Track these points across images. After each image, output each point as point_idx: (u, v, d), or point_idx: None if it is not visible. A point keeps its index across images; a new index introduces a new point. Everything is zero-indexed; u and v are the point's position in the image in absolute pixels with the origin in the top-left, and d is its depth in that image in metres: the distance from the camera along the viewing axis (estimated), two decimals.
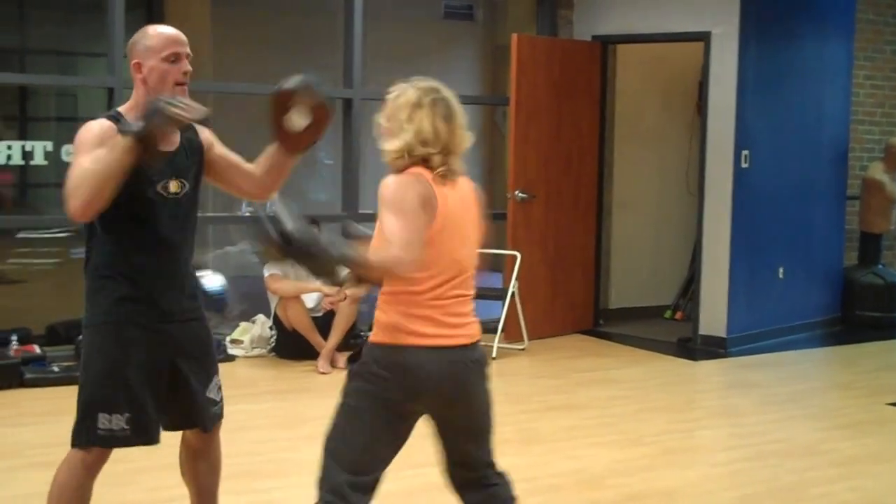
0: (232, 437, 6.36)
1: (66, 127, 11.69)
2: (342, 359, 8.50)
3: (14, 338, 8.06)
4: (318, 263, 3.36)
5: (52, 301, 9.72)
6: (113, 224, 3.75)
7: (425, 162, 3.51)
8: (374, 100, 10.67)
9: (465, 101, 12.31)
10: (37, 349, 8.06)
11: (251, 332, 8.98)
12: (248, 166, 4.15)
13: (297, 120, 3.95)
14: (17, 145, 8.49)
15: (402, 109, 3.54)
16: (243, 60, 10.68)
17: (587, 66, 10.16)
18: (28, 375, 7.63)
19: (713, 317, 9.63)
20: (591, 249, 10.42)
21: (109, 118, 3.77)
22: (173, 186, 3.84)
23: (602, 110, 10.40)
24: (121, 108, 3.85)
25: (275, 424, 6.90)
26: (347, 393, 3.65)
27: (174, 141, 3.87)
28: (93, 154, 3.60)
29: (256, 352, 8.91)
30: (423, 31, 12.22)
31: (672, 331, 10.25)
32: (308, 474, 5.71)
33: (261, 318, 9.08)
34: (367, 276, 3.51)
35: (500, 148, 12.14)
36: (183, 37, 3.89)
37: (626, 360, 9.21)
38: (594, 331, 10.30)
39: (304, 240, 3.27)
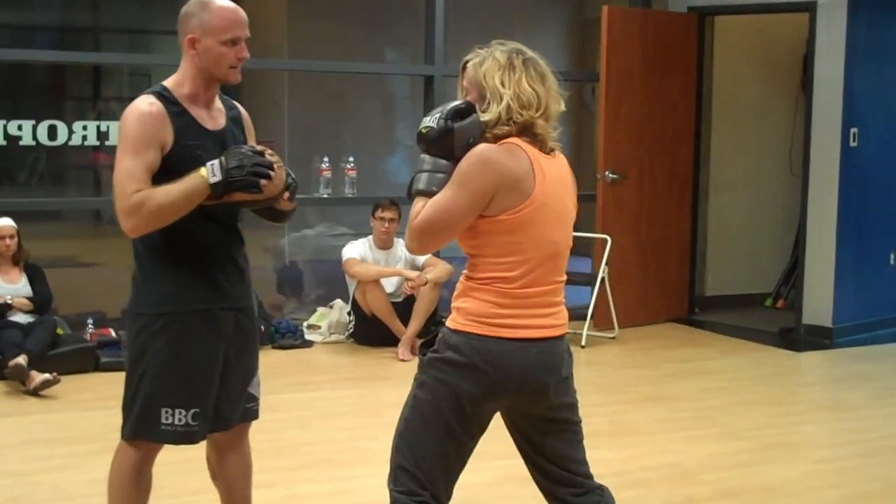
0: (311, 425, 6.56)
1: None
2: None
3: (90, 321, 8.28)
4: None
5: (127, 285, 9.93)
6: None
7: (526, 129, 3.40)
8: (457, 76, 10.88)
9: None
10: (112, 333, 8.27)
11: (329, 318, 9.11)
12: None
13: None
14: (91, 126, 8.66)
15: (492, 73, 3.42)
16: (320, 37, 10.78)
17: (682, 39, 10.13)
18: (104, 359, 7.84)
19: (818, 305, 9.56)
20: (686, 233, 10.40)
21: (156, 95, 3.72)
22: None
23: (698, 86, 10.36)
24: (168, 83, 3.79)
25: (354, 412, 7.03)
26: (421, 384, 3.52)
27: (220, 119, 3.89)
28: (165, 189, 3.58)
29: (334, 338, 9.04)
30: (508, 4, 12.25)
31: (773, 320, 10.18)
32: (387, 464, 5.86)
33: (339, 302, 9.19)
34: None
35: (589, 126, 12.17)
36: (245, 17, 3.81)
37: (722, 350, 9.19)
38: (689, 319, 10.29)
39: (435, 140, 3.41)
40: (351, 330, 8.96)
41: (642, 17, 9.91)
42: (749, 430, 6.70)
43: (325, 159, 9.11)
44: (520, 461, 5.69)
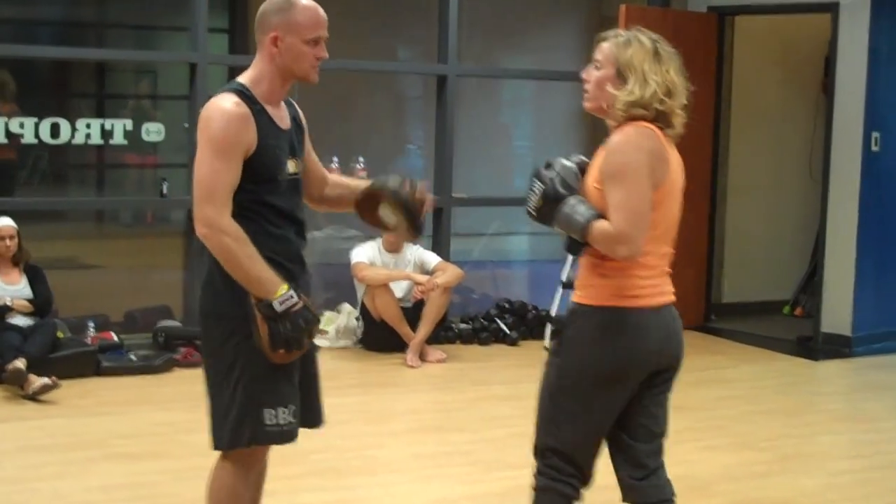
0: (316, 432, 6.50)
1: (145, 105, 11.91)
2: (432, 352, 8.60)
3: (91, 324, 8.28)
4: (560, 226, 3.68)
5: (130, 287, 9.95)
6: (244, 210, 3.72)
7: (663, 117, 3.69)
8: (470, 76, 10.93)
9: (567, 77, 12.47)
10: (114, 337, 8.28)
11: (337, 322, 9.10)
12: (321, 172, 4.23)
13: (387, 216, 4.12)
14: (95, 124, 8.67)
15: (640, 57, 3.66)
16: (333, 34, 10.77)
17: (702, 39, 10.11)
18: (105, 364, 7.85)
19: (837, 313, 9.53)
20: (702, 239, 10.38)
21: (238, 94, 3.75)
22: (291, 167, 3.88)
23: (717, 88, 10.36)
24: (245, 81, 3.81)
25: (361, 419, 7.01)
26: (563, 365, 3.77)
27: (286, 117, 3.93)
28: (251, 256, 3.65)
29: (342, 343, 9.03)
30: (523, 2, 12.25)
31: (791, 328, 10.15)
32: (395, 472, 5.89)
33: (347, 307, 9.19)
34: (579, 243, 3.70)
35: (604, 127, 12.15)
36: (325, 16, 3.90)
37: (739, 358, 9.18)
38: (705, 327, 10.26)
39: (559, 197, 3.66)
40: (359, 335, 8.96)
41: (661, 17, 9.90)
42: (765, 441, 6.69)
43: (335, 159, 9.10)
44: (531, 471, 5.72)
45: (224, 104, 3.70)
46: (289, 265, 3.84)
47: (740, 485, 5.83)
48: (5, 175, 9.58)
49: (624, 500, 3.91)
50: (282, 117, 3.89)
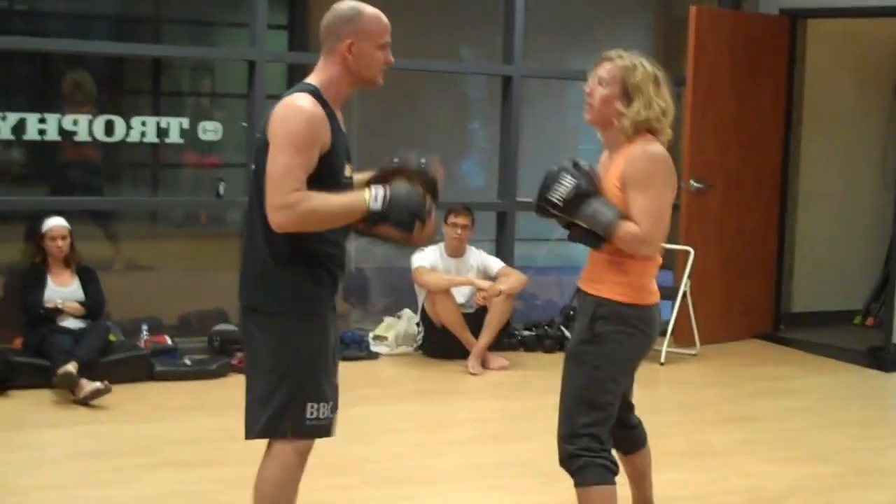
0: (375, 440, 6.53)
1: (201, 103, 11.93)
2: (494, 359, 8.55)
3: (144, 328, 8.30)
4: (587, 220, 4.18)
5: (184, 289, 9.96)
6: None
7: (655, 133, 4.24)
8: (536, 77, 10.87)
9: None
10: (168, 340, 8.29)
11: (396, 328, 9.09)
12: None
13: None
14: (151, 122, 8.68)
15: (647, 82, 4.23)
16: (397, 35, 10.75)
17: (773, 42, 10.02)
18: (158, 368, 7.86)
19: None
20: (772, 246, 10.29)
21: (314, 96, 3.90)
22: (348, 170, 4.06)
23: (789, 92, 10.25)
24: (314, 82, 3.98)
25: (421, 427, 6.99)
26: (595, 362, 4.24)
27: (344, 126, 4.07)
28: (323, 197, 3.81)
29: (402, 349, 9.01)
30: (590, 2, 12.18)
31: (862, 338, 10.02)
32: (456, 482, 5.84)
33: (407, 313, 9.17)
34: (599, 237, 4.19)
35: (674, 131, 12.05)
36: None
37: (808, 369, 9.08)
38: (774, 336, 10.17)
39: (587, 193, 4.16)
40: (419, 341, 8.93)
41: (732, 19, 9.81)
42: (835, 454, 6.60)
43: (396, 161, 9.05)
44: None
45: (302, 103, 3.87)
46: (338, 271, 4.07)
47: (810, 499, 5.76)
48: (90, 175, 9.64)
49: (621, 450, 4.64)
50: (342, 121, 4.06)
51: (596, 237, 4.20)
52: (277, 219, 3.79)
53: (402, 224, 3.87)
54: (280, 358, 3.96)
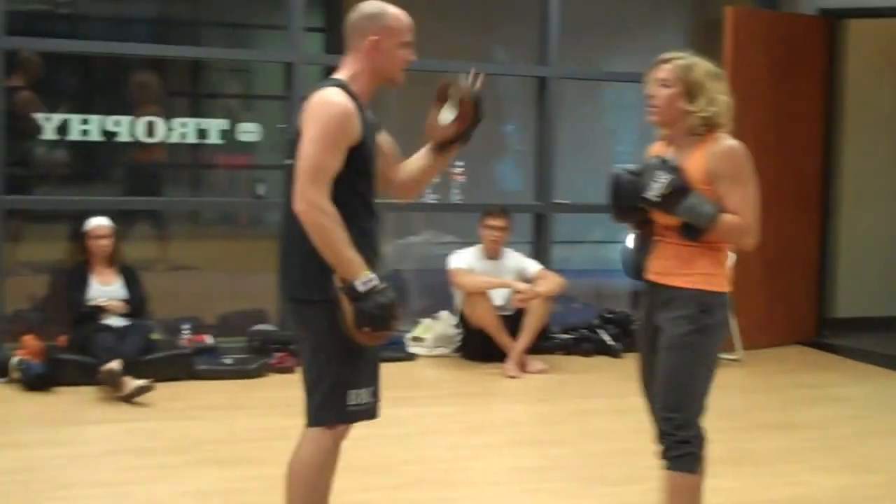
0: (414, 442, 6.58)
1: (238, 104, 12.01)
2: (532, 362, 8.58)
3: (186, 327, 8.38)
4: (686, 214, 4.29)
5: (225, 289, 10.04)
6: (341, 199, 3.98)
7: (718, 129, 4.40)
8: (571, 79, 10.90)
9: None
10: (209, 340, 8.38)
11: (434, 330, 9.14)
12: (400, 160, 4.48)
13: (445, 114, 4.37)
14: (191, 123, 8.78)
15: (706, 77, 4.39)
16: (431, 36, 10.76)
17: (812, 43, 9.99)
18: (199, 367, 7.96)
19: None
20: (814, 251, 10.26)
21: (346, 91, 4.03)
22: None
23: (829, 94, 10.23)
24: (343, 76, 4.12)
25: (459, 430, 7.02)
26: (702, 352, 4.40)
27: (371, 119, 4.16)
28: (342, 238, 3.92)
29: (439, 351, 9.06)
30: (625, 2, 12.19)
31: None
32: (495, 485, 5.88)
33: (444, 314, 9.21)
34: (698, 230, 4.33)
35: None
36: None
37: (852, 376, 9.05)
38: (817, 342, 10.13)
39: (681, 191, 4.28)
40: (457, 343, 8.97)
41: (769, 20, 9.81)
42: (881, 463, 6.57)
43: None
44: (634, 488, 5.72)
45: (336, 98, 4.00)
46: (373, 258, 4.12)
47: None
48: (153, 176, 9.78)
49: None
50: (369, 116, 4.16)
51: (694, 231, 4.33)
52: (301, 207, 3.91)
53: (361, 314, 3.92)
54: (321, 346, 4.08)
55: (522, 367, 8.49)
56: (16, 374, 7.54)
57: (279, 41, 9.51)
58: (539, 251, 9.54)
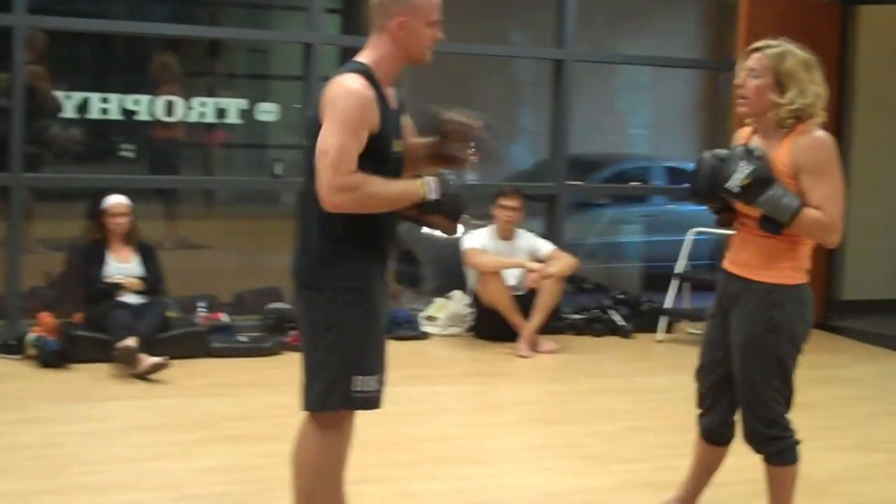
0: (428, 420, 6.60)
1: (257, 85, 12.03)
2: (544, 342, 8.58)
3: (201, 305, 8.40)
4: (766, 206, 4.21)
5: (240, 267, 10.06)
6: None
7: (810, 119, 4.29)
8: (588, 61, 10.89)
9: (686, 64, 12.37)
10: (224, 318, 8.40)
11: (447, 309, 9.14)
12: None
13: (452, 150, 4.27)
14: (210, 102, 8.80)
15: (798, 68, 4.29)
16: (449, 18, 10.77)
17: (826, 29, 9.96)
18: (215, 345, 7.98)
19: None
20: None
21: (365, 76, 3.95)
22: (398, 146, 4.11)
23: (841, 79, 10.21)
24: (365, 60, 4.02)
25: (472, 409, 7.05)
26: (781, 346, 4.40)
27: (395, 102, 4.12)
28: (382, 182, 3.90)
29: (452, 330, 9.07)
30: None
31: None
32: (507, 463, 5.89)
33: (458, 294, 9.21)
34: (779, 224, 4.24)
35: (723, 118, 12.03)
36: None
37: (860, 357, 9.07)
38: (824, 324, 10.08)
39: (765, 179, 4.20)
40: (470, 323, 8.98)
41: (784, 4, 9.77)
42: (888, 443, 6.59)
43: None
44: (644, 466, 5.73)
45: (354, 85, 3.91)
46: (388, 246, 4.15)
47: (861, 486, 5.75)
48: (170, 154, 9.81)
49: (705, 436, 4.81)
50: (392, 98, 4.11)
51: (774, 224, 4.25)
52: (335, 199, 3.84)
53: (452, 215, 3.99)
54: (328, 332, 4.02)
55: (534, 347, 8.49)
56: (32, 351, 7.55)
57: (298, 22, 9.50)
58: (552, 232, 9.54)
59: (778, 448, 4.51)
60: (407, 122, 4.30)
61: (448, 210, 3.99)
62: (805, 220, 4.20)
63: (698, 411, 4.77)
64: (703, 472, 4.85)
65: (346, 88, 3.90)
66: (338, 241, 4.00)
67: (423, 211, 3.99)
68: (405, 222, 4.23)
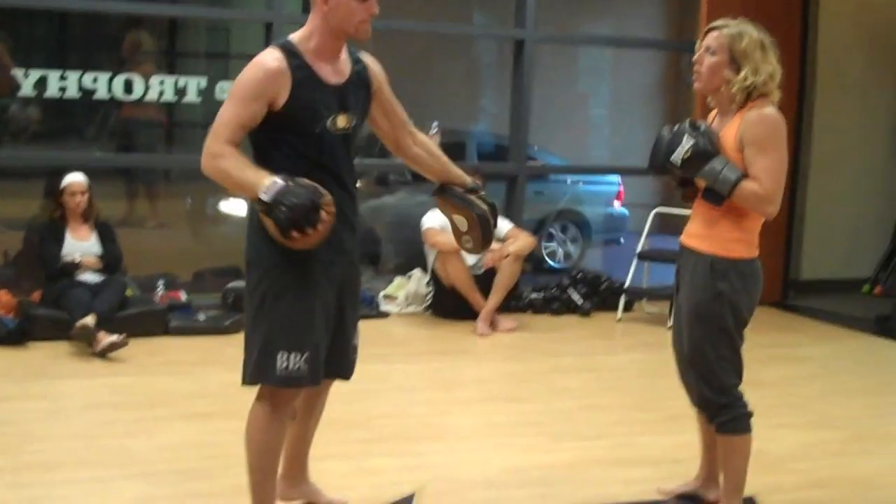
0: (387, 397, 6.62)
1: (217, 64, 11.98)
2: (503, 321, 8.63)
3: (160, 283, 8.40)
4: (707, 178, 4.36)
5: (198, 247, 10.05)
6: (284, 162, 3.97)
7: (761, 97, 4.40)
8: (549, 42, 10.92)
9: (648, 44, 12.38)
10: (183, 296, 8.40)
11: (406, 288, 9.18)
12: (411, 128, 4.47)
13: (460, 223, 4.41)
14: (169, 81, 8.77)
15: (753, 48, 4.40)
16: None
17: (785, 10, 10.02)
18: (173, 323, 7.98)
19: None
20: (782, 214, 10.23)
21: (281, 49, 3.99)
22: (341, 121, 4.09)
23: (802, 61, 10.26)
24: (294, 37, 4.06)
25: (431, 386, 7.08)
26: (723, 320, 4.50)
27: (344, 72, 4.12)
28: (238, 162, 3.88)
29: (411, 309, 9.11)
30: None
31: (870, 307, 10.00)
32: (465, 440, 5.93)
33: (417, 273, 9.26)
34: (720, 195, 4.38)
35: (686, 99, 12.11)
36: None
37: (816, 336, 9.14)
38: (782, 304, 10.22)
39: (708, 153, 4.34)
40: (429, 301, 9.02)
41: None
42: (842, 420, 6.65)
43: (436, 124, 9.09)
44: (601, 443, 5.78)
45: (263, 57, 3.97)
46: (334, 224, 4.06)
47: (815, 463, 5.80)
48: (144, 133, 9.79)
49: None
50: (335, 73, 4.09)
51: (717, 195, 4.40)
52: (204, 163, 3.91)
53: (279, 223, 3.83)
54: (258, 309, 4.07)
55: (493, 326, 8.54)
56: None
57: (259, 1, 9.47)
58: (512, 212, 9.57)
59: (729, 416, 4.60)
60: (386, 98, 4.32)
61: (276, 218, 3.82)
62: (744, 192, 4.32)
63: (703, 414, 4.83)
64: (712, 446, 4.91)
65: (254, 61, 3.96)
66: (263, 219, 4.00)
67: (259, 210, 3.89)
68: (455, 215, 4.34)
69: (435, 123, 9.24)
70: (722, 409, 4.60)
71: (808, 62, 10.35)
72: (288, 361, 4.05)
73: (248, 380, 4.15)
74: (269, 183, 3.81)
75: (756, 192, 4.32)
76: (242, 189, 3.91)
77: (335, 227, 3.97)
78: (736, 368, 4.63)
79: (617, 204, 12.39)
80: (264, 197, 3.80)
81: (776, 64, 4.45)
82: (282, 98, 3.93)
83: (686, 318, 4.59)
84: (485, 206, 4.36)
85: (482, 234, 4.36)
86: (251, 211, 4.07)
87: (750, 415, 4.67)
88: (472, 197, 4.38)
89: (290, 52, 3.98)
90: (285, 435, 4.31)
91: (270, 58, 3.94)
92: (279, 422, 4.19)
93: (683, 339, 4.64)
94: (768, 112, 4.39)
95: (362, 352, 4.48)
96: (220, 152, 3.87)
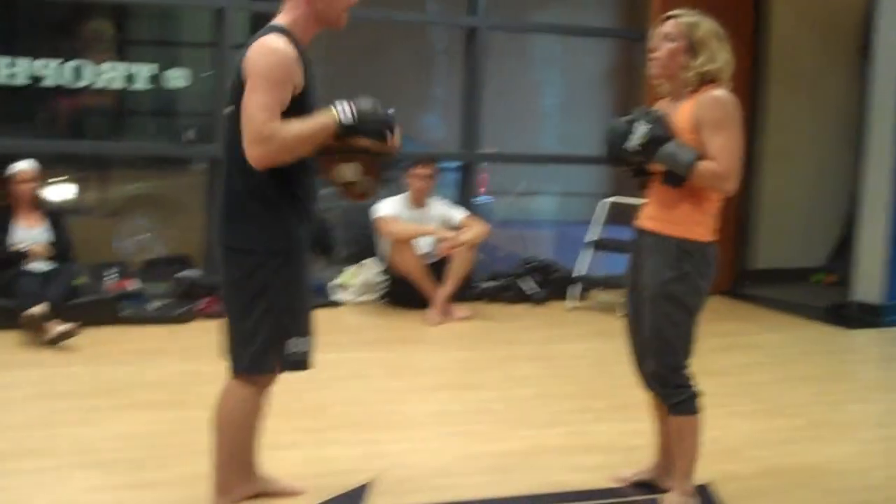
0: (340, 386, 6.62)
1: (167, 51, 11.89)
2: (456, 309, 8.64)
3: (111, 271, 8.35)
4: (665, 161, 4.44)
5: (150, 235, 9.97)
6: None
7: (716, 84, 4.51)
8: (501, 30, 10.92)
9: (600, 33, 12.40)
10: (133, 285, 8.36)
11: (359, 277, 9.17)
12: None
13: (346, 172, 4.26)
14: (120, 68, 8.71)
15: (710, 36, 4.53)
16: None
17: (740, 5, 10.06)
18: (124, 312, 7.94)
19: (868, 282, 9.50)
20: (734, 204, 10.35)
21: (287, 37, 3.99)
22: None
23: (755, 52, 10.31)
24: (285, 25, 4.06)
25: (384, 375, 7.08)
26: (683, 300, 4.59)
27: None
28: (295, 123, 3.91)
29: (364, 298, 9.11)
30: None
31: (822, 296, 10.13)
32: (419, 428, 5.94)
33: (370, 262, 9.25)
34: (680, 177, 4.46)
35: (637, 88, 12.14)
36: None
37: (768, 325, 9.20)
38: (734, 293, 10.28)
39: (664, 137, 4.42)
40: (382, 290, 9.01)
41: None
42: (794, 408, 6.68)
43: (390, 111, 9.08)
44: (555, 431, 5.78)
45: (275, 43, 3.96)
46: (309, 204, 4.20)
47: (769, 451, 5.83)
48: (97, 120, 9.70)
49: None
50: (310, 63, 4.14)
51: (675, 178, 4.49)
52: (256, 153, 3.89)
53: (373, 133, 3.98)
54: (260, 296, 4.09)
55: (447, 314, 8.55)
56: None
57: None
58: (465, 200, 9.58)
59: (683, 397, 4.70)
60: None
61: (368, 130, 3.99)
62: (702, 171, 4.40)
63: (654, 394, 4.88)
64: (667, 433, 4.96)
65: (268, 47, 3.94)
66: (261, 201, 4.05)
67: (343, 136, 3.98)
68: (338, 167, 4.21)
69: (391, 111, 9.19)
70: (676, 389, 4.69)
71: (760, 53, 10.41)
72: (298, 346, 4.20)
73: (244, 370, 4.19)
74: (339, 108, 3.98)
75: (714, 171, 4.41)
76: (318, 135, 3.96)
77: (308, 216, 4.14)
78: (687, 349, 4.72)
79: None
80: (346, 120, 3.95)
81: (730, 54, 4.57)
82: (299, 85, 3.98)
83: (650, 297, 4.63)
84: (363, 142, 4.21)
85: (374, 166, 4.28)
86: (233, 195, 4.08)
87: (698, 395, 4.76)
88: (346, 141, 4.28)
89: (292, 39, 4.00)
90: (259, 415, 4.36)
91: (283, 43, 3.96)
92: (259, 402, 4.27)
93: (644, 320, 4.68)
94: (722, 94, 4.49)
95: (316, 340, 4.47)
96: (272, 131, 3.87)
